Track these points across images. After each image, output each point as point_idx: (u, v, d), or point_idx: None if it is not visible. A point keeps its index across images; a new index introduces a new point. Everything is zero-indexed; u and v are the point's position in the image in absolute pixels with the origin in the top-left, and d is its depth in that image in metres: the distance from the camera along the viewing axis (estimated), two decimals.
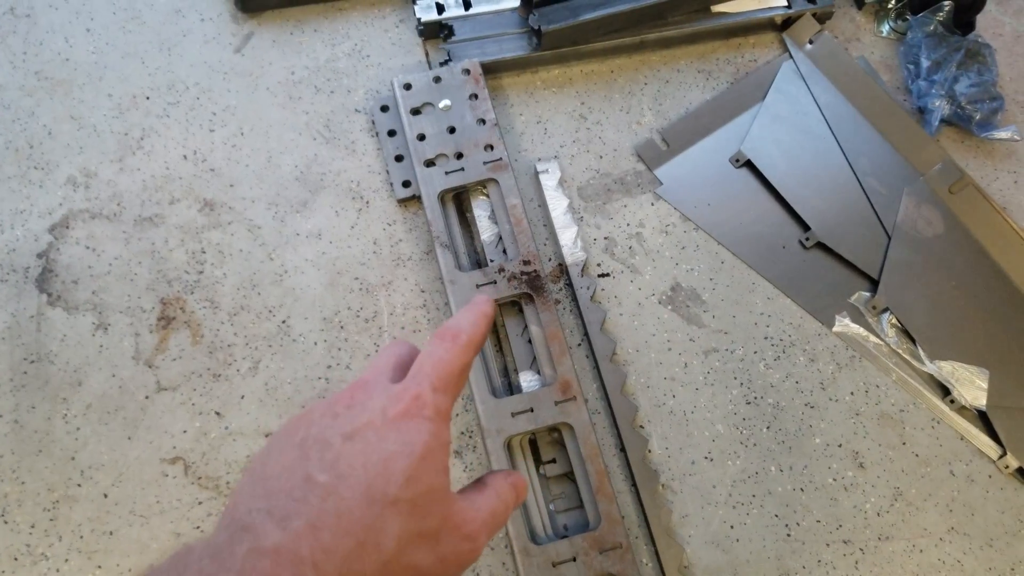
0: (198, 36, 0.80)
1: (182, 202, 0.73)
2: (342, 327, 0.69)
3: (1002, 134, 0.77)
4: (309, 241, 0.72)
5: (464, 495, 0.38)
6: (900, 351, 0.69)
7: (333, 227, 0.73)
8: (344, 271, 0.71)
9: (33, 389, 0.66)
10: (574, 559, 0.59)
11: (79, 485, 0.64)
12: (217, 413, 0.66)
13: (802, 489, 0.65)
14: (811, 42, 0.81)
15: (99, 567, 0.61)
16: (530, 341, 0.67)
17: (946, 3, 0.78)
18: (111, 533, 0.62)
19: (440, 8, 0.79)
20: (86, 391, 0.66)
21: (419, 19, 0.78)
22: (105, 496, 0.63)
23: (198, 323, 0.69)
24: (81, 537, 0.62)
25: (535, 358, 0.67)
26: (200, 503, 0.63)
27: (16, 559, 0.61)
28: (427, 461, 0.34)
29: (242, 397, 0.67)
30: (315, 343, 0.69)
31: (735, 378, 0.69)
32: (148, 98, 0.77)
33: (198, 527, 0.63)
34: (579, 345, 0.70)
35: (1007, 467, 0.66)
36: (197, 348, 0.68)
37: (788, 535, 0.64)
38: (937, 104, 0.76)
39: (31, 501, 0.63)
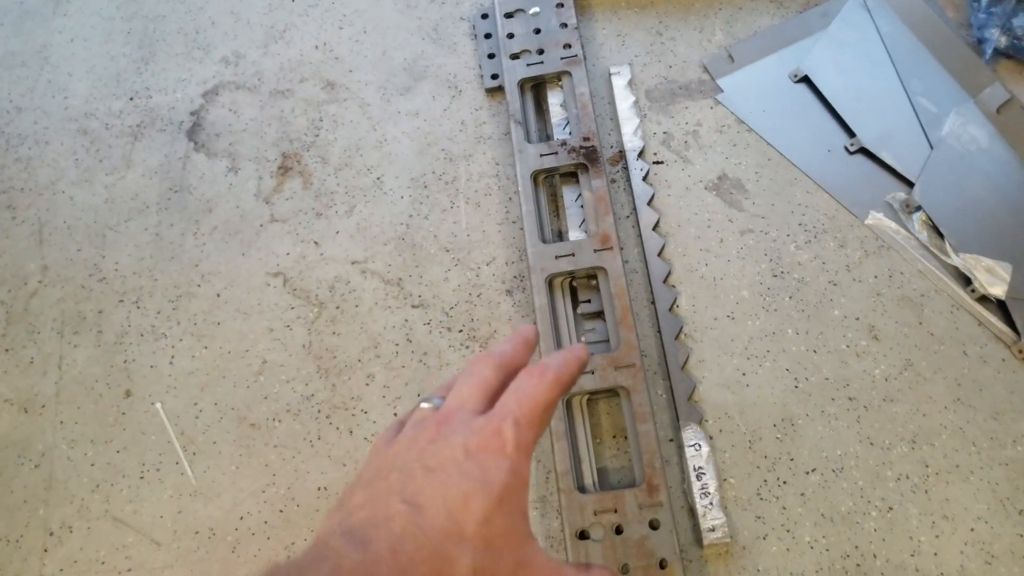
0: None
1: (309, 81, 0.88)
2: (425, 186, 0.81)
3: None
4: (407, 118, 0.85)
5: (560, 561, 0.38)
6: (928, 245, 0.74)
7: (429, 108, 0.85)
8: (433, 143, 0.83)
9: (174, 211, 0.82)
10: (592, 372, 0.67)
11: (198, 285, 0.78)
12: (315, 243, 0.79)
13: (815, 351, 0.71)
14: None
15: (205, 348, 0.75)
16: (582, 206, 0.77)
17: None
18: (219, 323, 0.76)
19: None
20: (214, 217, 0.81)
21: None
22: (217, 296, 0.77)
23: (310, 173, 0.83)
24: (195, 324, 0.76)
25: (584, 220, 0.76)
26: (292, 308, 0.76)
27: (142, 335, 0.76)
28: (505, 503, 0.35)
29: (337, 232, 0.80)
30: (401, 196, 0.81)
31: (765, 255, 0.75)
32: (293, 0, 0.93)
33: (288, 326, 0.75)
34: (627, 217, 0.78)
35: (1021, 351, 0.69)
36: (306, 192, 0.82)
37: (796, 387, 0.69)
38: (993, 33, 0.81)
39: (160, 294, 0.78)
